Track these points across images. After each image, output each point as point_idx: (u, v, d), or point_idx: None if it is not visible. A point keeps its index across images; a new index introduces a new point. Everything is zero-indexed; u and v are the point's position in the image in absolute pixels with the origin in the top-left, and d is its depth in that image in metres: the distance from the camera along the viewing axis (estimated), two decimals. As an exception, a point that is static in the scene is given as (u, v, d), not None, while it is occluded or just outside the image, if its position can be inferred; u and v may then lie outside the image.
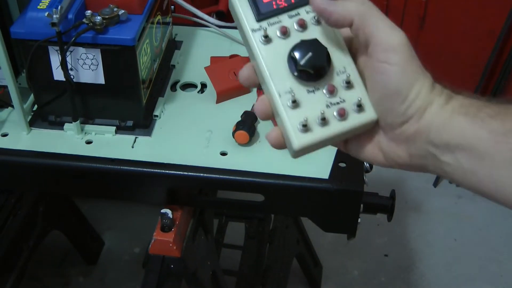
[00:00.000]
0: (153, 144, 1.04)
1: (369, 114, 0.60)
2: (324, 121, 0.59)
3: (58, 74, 0.99)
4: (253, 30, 0.61)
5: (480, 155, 0.54)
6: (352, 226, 1.01)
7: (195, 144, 1.03)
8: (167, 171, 0.99)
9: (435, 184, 2.35)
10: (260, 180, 0.97)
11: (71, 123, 1.03)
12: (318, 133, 0.59)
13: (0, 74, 1.01)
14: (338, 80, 0.60)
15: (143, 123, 1.05)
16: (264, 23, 0.60)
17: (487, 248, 2.12)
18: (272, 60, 0.60)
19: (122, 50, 0.96)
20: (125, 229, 2.15)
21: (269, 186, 0.97)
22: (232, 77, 1.13)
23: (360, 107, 0.59)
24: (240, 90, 1.13)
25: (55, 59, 0.98)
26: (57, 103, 1.03)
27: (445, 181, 2.36)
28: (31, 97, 1.08)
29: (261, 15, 0.60)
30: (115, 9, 0.97)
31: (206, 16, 1.31)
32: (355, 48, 0.61)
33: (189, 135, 1.05)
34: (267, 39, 0.60)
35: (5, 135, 1.05)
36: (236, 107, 1.10)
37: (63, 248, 2.02)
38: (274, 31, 0.60)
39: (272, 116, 0.61)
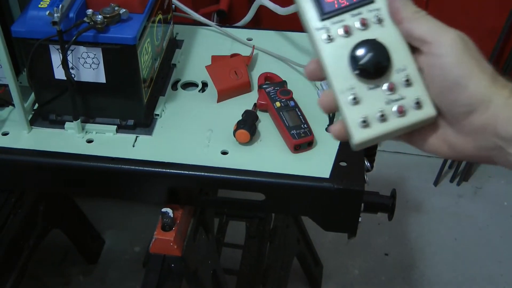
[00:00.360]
0: (154, 143, 1.04)
1: (427, 111, 0.62)
2: (383, 117, 0.62)
3: (59, 73, 0.99)
4: (317, 29, 0.63)
5: None
6: (352, 225, 1.01)
7: (196, 143, 1.03)
8: (168, 170, 0.99)
9: (436, 183, 2.35)
10: (261, 179, 0.97)
11: (72, 122, 1.03)
12: (377, 128, 0.62)
13: (1, 72, 1.01)
14: (398, 78, 0.62)
15: (144, 122, 1.05)
16: (327, 23, 0.63)
17: (488, 247, 2.12)
18: (334, 58, 0.63)
19: (123, 49, 0.96)
20: (125, 228, 2.15)
21: (269, 185, 0.97)
22: (233, 76, 1.13)
23: (418, 104, 0.62)
24: (241, 89, 1.13)
25: (56, 58, 0.98)
26: (58, 102, 1.03)
27: (445, 181, 2.37)
28: (32, 96, 1.08)
29: (324, 15, 0.63)
30: (116, 8, 0.96)
31: (202, 18, 1.31)
32: (413, 47, 0.63)
33: (190, 134, 1.05)
34: (330, 38, 0.62)
35: (5, 134, 1.05)
36: (237, 106, 1.09)
37: (64, 247, 2.02)
38: (336, 30, 0.63)
39: (335, 109, 0.63)
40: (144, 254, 2.03)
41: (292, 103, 1.07)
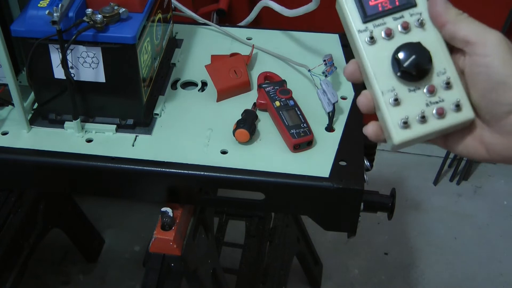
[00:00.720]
0: (154, 143, 1.04)
1: (466, 113, 0.64)
2: (423, 119, 0.64)
3: (59, 72, 0.99)
4: (360, 31, 0.65)
5: None
6: (352, 224, 1.01)
7: (195, 143, 1.03)
8: (167, 170, 0.99)
9: (435, 182, 2.35)
10: (261, 178, 0.97)
11: (72, 121, 1.03)
12: (417, 130, 0.64)
13: (1, 72, 1.01)
14: (438, 81, 0.64)
15: (143, 121, 1.05)
16: (370, 25, 0.65)
17: (487, 246, 2.12)
18: (376, 60, 0.65)
19: (123, 48, 0.96)
20: (125, 227, 2.15)
21: (269, 185, 0.97)
22: (232, 76, 1.13)
23: (458, 106, 0.63)
24: (241, 88, 1.13)
25: (55, 57, 0.98)
26: (57, 101, 1.03)
27: (445, 180, 2.37)
28: (32, 95, 1.08)
29: (367, 17, 0.65)
30: (116, 7, 0.96)
31: (201, 19, 1.31)
32: (454, 49, 0.65)
33: (190, 133, 1.05)
34: (372, 40, 0.64)
35: (5, 133, 1.05)
36: (237, 106, 1.09)
37: (63, 246, 2.02)
38: (379, 33, 0.65)
39: (373, 110, 0.65)
40: (144, 253, 2.03)
41: (291, 102, 1.07)
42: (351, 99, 1.12)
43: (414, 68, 0.63)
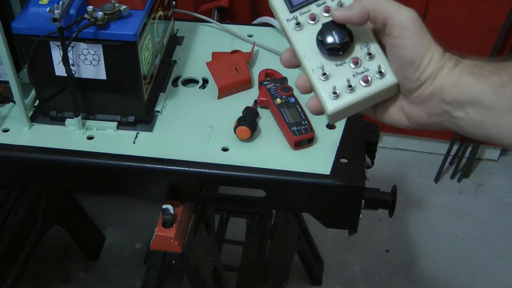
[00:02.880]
0: (155, 140, 1.04)
1: (389, 79, 0.70)
2: (351, 88, 0.70)
3: (60, 70, 0.99)
4: (288, 20, 0.72)
5: (485, 106, 0.64)
6: (353, 221, 1.01)
7: (196, 140, 1.03)
8: (168, 167, 0.99)
9: (436, 180, 2.35)
10: (262, 175, 0.97)
11: (73, 118, 1.03)
12: (347, 98, 0.70)
13: (2, 69, 1.01)
14: (361, 53, 0.71)
15: (144, 118, 1.05)
16: (296, 13, 0.72)
17: (488, 244, 2.12)
18: (304, 42, 0.71)
19: (124, 45, 0.96)
20: (126, 224, 2.15)
21: (270, 182, 0.97)
22: (233, 73, 1.13)
23: (381, 73, 0.70)
24: (242, 85, 1.13)
25: (56, 55, 0.98)
26: (58, 98, 1.03)
27: (446, 177, 2.37)
28: (33, 92, 1.08)
29: (293, 7, 0.72)
30: (117, 5, 0.96)
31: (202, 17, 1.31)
32: (376, 31, 0.71)
33: (191, 130, 1.05)
34: (299, 25, 0.72)
35: (6, 130, 1.05)
36: (238, 103, 1.09)
37: (64, 244, 2.02)
38: (305, 19, 0.72)
39: (310, 90, 0.72)
40: (144, 250, 2.02)
41: (292, 99, 1.07)
42: (352, 96, 1.12)
43: (333, 43, 0.70)
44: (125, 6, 0.97)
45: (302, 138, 1.01)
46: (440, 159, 2.36)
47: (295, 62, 0.73)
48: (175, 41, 1.24)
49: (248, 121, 1.02)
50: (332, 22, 0.70)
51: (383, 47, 0.71)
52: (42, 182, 1.12)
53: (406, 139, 2.44)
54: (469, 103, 0.65)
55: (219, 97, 1.12)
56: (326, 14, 0.71)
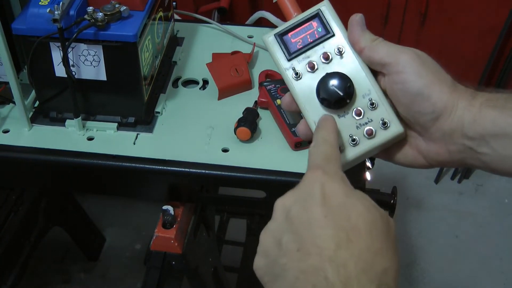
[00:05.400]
0: (155, 141, 1.04)
1: (394, 129, 0.67)
2: (355, 141, 0.67)
3: (60, 71, 0.99)
4: (286, 69, 0.69)
5: None
6: (353, 222, 1.01)
7: (196, 141, 1.03)
8: (168, 168, 0.99)
9: (437, 181, 2.35)
10: (262, 176, 0.97)
11: (73, 119, 1.03)
12: (351, 152, 0.68)
13: (2, 70, 1.01)
14: (364, 103, 0.68)
15: (144, 119, 1.05)
16: (294, 61, 0.69)
17: (488, 244, 2.12)
18: (304, 93, 0.68)
19: (124, 46, 0.96)
20: (126, 225, 2.15)
21: (270, 183, 0.97)
22: (233, 74, 1.13)
23: (385, 124, 0.67)
24: (242, 86, 1.13)
25: (56, 56, 0.98)
26: (58, 99, 1.03)
27: (446, 178, 2.37)
28: (33, 93, 1.08)
29: (291, 55, 0.69)
30: (117, 6, 0.96)
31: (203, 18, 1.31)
32: (377, 72, 0.68)
33: (191, 131, 1.05)
34: (297, 75, 0.68)
35: (6, 131, 1.05)
36: (238, 104, 1.09)
37: (64, 245, 2.02)
38: (303, 67, 0.69)
39: (312, 137, 0.68)
40: (145, 251, 2.03)
41: (293, 100, 1.07)
42: (352, 97, 1.12)
43: (334, 98, 0.66)
44: (125, 7, 0.97)
45: (302, 139, 1.01)
46: (440, 160, 2.36)
47: (296, 107, 0.70)
48: (175, 42, 1.24)
49: (248, 122, 1.02)
50: (335, 73, 0.67)
51: (384, 90, 0.68)
52: (42, 183, 1.11)
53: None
54: (494, 137, 0.60)
55: (219, 98, 1.12)
56: (325, 61, 0.68)
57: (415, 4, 2.08)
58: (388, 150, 0.70)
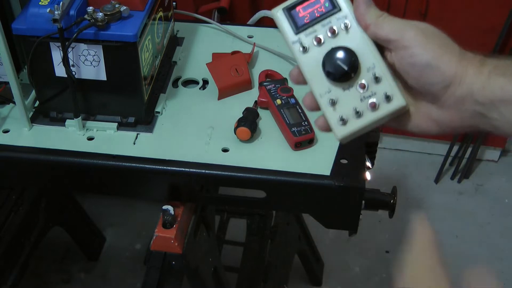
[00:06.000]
0: (155, 141, 1.04)
1: (397, 102, 0.69)
2: (358, 113, 0.69)
3: (60, 70, 0.99)
4: (293, 42, 0.71)
5: None
6: (353, 222, 1.01)
7: (196, 141, 1.03)
8: (168, 168, 0.99)
9: (437, 180, 2.35)
10: (262, 176, 0.97)
11: (73, 119, 1.03)
12: (355, 124, 0.70)
13: (2, 70, 1.01)
14: (368, 76, 0.69)
15: (144, 119, 1.05)
16: (302, 35, 0.71)
17: (488, 244, 2.12)
18: (311, 66, 0.70)
19: (124, 46, 0.96)
20: (126, 225, 2.15)
21: (270, 183, 0.97)
22: (234, 74, 1.13)
23: (388, 97, 0.69)
24: (242, 86, 1.13)
25: (56, 55, 0.98)
26: (58, 99, 1.03)
27: (446, 178, 2.36)
28: (33, 93, 1.08)
29: (298, 29, 0.71)
30: (117, 6, 0.96)
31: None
32: (383, 47, 0.70)
33: (191, 131, 1.05)
34: (304, 49, 0.70)
35: (6, 131, 1.05)
36: (238, 104, 1.09)
37: (65, 245, 2.02)
38: (310, 41, 0.70)
39: (318, 109, 0.71)
40: (145, 251, 2.03)
41: (292, 100, 1.07)
42: (352, 97, 1.12)
43: (340, 71, 0.68)
44: (125, 7, 0.97)
45: (302, 139, 1.01)
46: (440, 160, 2.36)
47: (302, 80, 0.72)
48: (175, 42, 1.24)
49: (248, 122, 1.02)
50: (340, 47, 0.69)
51: (391, 65, 0.70)
52: (42, 183, 1.12)
53: (406, 140, 2.44)
54: (503, 102, 0.63)
55: (219, 98, 1.12)
56: (331, 36, 0.70)
57: (415, 4, 2.07)
58: (402, 119, 0.71)
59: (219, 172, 0.98)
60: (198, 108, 1.10)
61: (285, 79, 1.13)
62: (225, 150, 1.02)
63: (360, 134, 0.71)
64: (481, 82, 0.64)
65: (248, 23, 1.35)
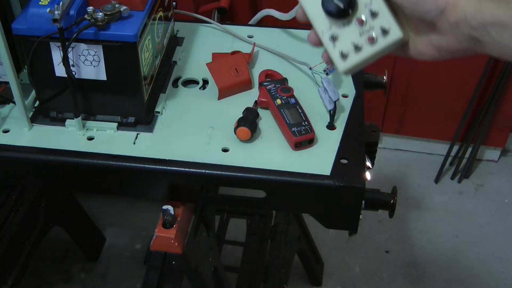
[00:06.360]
0: (155, 141, 1.04)
1: (394, 35, 0.73)
2: (358, 48, 0.74)
3: (60, 70, 0.99)
4: None
5: (508, 28, 0.67)
6: (353, 222, 1.01)
7: (196, 141, 1.03)
8: (168, 168, 0.99)
9: (437, 180, 2.35)
10: (262, 176, 0.97)
11: (73, 119, 1.03)
12: (355, 58, 0.75)
13: (2, 70, 1.01)
14: (365, 12, 0.74)
15: (144, 119, 1.05)
16: None
17: (488, 244, 2.12)
18: (312, 5, 0.75)
19: (124, 46, 0.96)
20: (126, 225, 2.15)
21: (270, 183, 0.97)
22: (234, 73, 1.13)
23: (385, 31, 0.73)
24: (242, 86, 1.13)
25: (56, 55, 0.98)
26: (58, 99, 1.03)
27: (446, 178, 2.37)
28: (33, 93, 1.08)
29: None
30: (117, 5, 0.96)
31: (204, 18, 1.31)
32: None
33: (191, 131, 1.05)
34: None
35: (6, 131, 1.05)
36: (238, 104, 1.09)
37: (65, 244, 2.02)
38: None
39: (320, 45, 0.77)
40: (145, 251, 2.03)
41: (292, 100, 1.07)
42: (352, 97, 1.12)
43: (336, 7, 0.73)
44: (125, 7, 0.97)
45: (302, 139, 1.01)
46: (440, 160, 2.36)
47: (306, 19, 0.77)
48: (175, 41, 1.25)
49: (248, 122, 1.02)
50: None
51: (386, 1, 0.73)
52: (42, 182, 1.12)
53: (407, 139, 2.44)
54: (493, 26, 0.67)
55: (219, 98, 1.12)
56: None
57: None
58: (404, 47, 0.76)
59: (219, 172, 0.98)
60: (198, 108, 1.10)
61: (285, 79, 1.13)
62: (225, 150, 1.02)
63: (362, 67, 0.76)
64: (473, 7, 0.68)
65: (250, 22, 1.35)
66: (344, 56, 0.75)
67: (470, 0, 0.68)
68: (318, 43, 0.77)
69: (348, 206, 0.99)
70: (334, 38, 0.75)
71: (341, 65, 0.75)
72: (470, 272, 2.03)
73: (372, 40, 0.73)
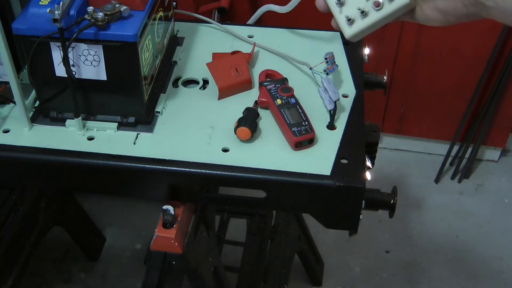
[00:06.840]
0: (155, 141, 1.04)
1: (400, 0, 0.74)
2: (364, 13, 0.76)
3: (60, 70, 0.99)
4: None
5: None
6: (354, 222, 1.01)
7: (197, 141, 1.03)
8: (168, 168, 0.99)
9: (437, 180, 2.35)
10: (262, 176, 0.97)
11: (73, 119, 1.03)
12: (361, 23, 0.77)
13: (2, 70, 1.01)
14: None
15: (144, 119, 1.05)
16: None
17: (489, 244, 2.13)
18: None
19: (124, 46, 0.96)
20: (126, 225, 2.15)
21: (270, 183, 0.97)
22: (234, 73, 1.13)
23: None
24: (242, 86, 1.13)
25: (56, 55, 0.98)
26: (58, 99, 1.03)
27: (446, 178, 2.37)
28: (33, 93, 1.08)
29: None
30: (117, 5, 0.96)
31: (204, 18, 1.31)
32: None
33: (191, 131, 1.05)
34: None
35: (6, 131, 1.05)
36: (238, 104, 1.09)
37: (65, 244, 2.02)
38: None
39: (328, 10, 0.80)
40: (145, 251, 2.03)
41: (293, 100, 1.07)
42: (353, 97, 1.12)
43: None
44: (125, 7, 0.97)
45: (303, 139, 1.01)
46: (440, 160, 2.36)
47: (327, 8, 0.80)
48: (175, 41, 1.24)
49: (248, 122, 1.02)
50: None
51: None
52: (42, 183, 1.11)
53: (407, 139, 2.44)
54: None
55: (219, 98, 1.12)
56: None
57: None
58: (411, 12, 0.78)
59: (219, 172, 0.98)
60: (198, 108, 1.10)
61: (285, 79, 1.13)
62: (225, 150, 1.02)
63: (368, 32, 0.77)
64: None
65: (250, 19, 1.35)
66: (350, 21, 0.76)
67: None
68: (326, 8, 0.80)
69: (348, 206, 0.99)
70: (341, 3, 0.77)
71: (347, 31, 0.77)
72: (470, 272, 2.03)
73: (378, 5, 0.75)
